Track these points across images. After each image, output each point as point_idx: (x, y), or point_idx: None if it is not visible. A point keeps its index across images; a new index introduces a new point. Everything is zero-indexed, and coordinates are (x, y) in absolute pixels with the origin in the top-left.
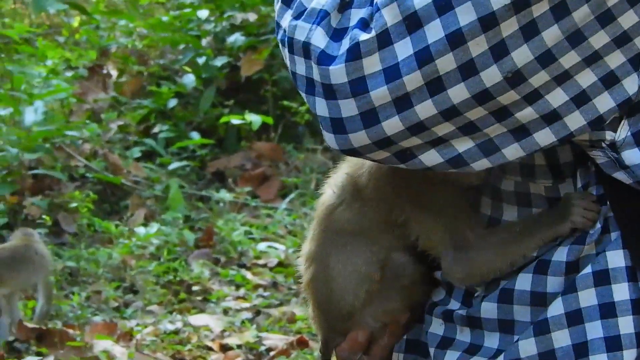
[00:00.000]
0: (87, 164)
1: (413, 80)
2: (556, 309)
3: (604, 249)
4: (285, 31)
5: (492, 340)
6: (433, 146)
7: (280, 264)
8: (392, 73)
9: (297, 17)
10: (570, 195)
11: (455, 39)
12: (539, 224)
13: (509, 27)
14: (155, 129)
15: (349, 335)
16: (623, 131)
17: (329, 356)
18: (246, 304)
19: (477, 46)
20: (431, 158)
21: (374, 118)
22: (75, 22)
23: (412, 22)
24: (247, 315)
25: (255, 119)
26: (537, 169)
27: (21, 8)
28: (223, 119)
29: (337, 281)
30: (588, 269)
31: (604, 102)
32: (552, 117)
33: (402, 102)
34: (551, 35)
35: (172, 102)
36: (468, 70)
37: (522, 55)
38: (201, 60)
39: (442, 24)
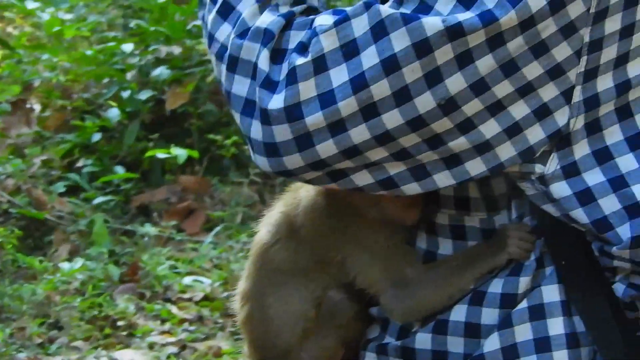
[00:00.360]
0: (11, 200)
1: (348, 106)
2: (492, 344)
3: (539, 284)
4: (225, 47)
5: None
6: (366, 167)
7: (205, 297)
8: (327, 99)
9: (240, 35)
10: (505, 227)
11: (390, 65)
12: (476, 256)
13: (443, 54)
14: (79, 164)
15: None
16: (552, 164)
17: None
18: (172, 339)
19: (412, 72)
20: (363, 178)
21: (308, 142)
22: None
23: (350, 49)
24: (173, 349)
25: (181, 153)
26: (472, 201)
27: None
28: (149, 153)
29: (273, 320)
30: (524, 304)
31: (535, 134)
32: (483, 147)
33: (337, 127)
34: (485, 64)
35: (96, 136)
36: (402, 96)
37: (456, 83)
38: (126, 94)
39: (377, 49)
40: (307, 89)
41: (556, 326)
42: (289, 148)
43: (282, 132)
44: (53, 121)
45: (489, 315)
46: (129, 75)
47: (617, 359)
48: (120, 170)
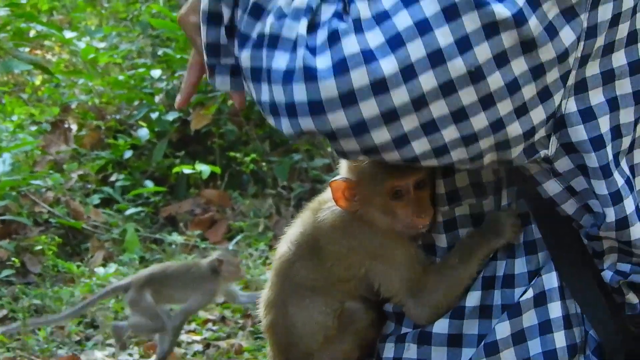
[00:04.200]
0: (51, 210)
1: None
2: (503, 330)
3: (539, 273)
4: (262, 36)
5: (439, 355)
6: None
7: (218, 304)
8: (368, 57)
9: (279, 18)
10: (497, 214)
11: (423, 27)
12: (475, 246)
13: (471, 22)
14: (113, 178)
15: None
16: (553, 146)
17: None
18: (197, 337)
19: (444, 37)
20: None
21: (352, 100)
22: (38, 80)
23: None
24: (198, 347)
25: (204, 169)
26: (461, 190)
27: None
28: (175, 169)
29: (296, 327)
30: (530, 293)
31: (538, 115)
32: (498, 126)
33: (379, 88)
34: (509, 42)
35: (128, 154)
36: (436, 59)
37: (484, 54)
38: (154, 115)
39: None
40: (351, 46)
41: (555, 309)
42: (334, 105)
43: (329, 89)
44: (89, 140)
45: (499, 296)
46: (157, 98)
47: (609, 337)
48: (149, 184)
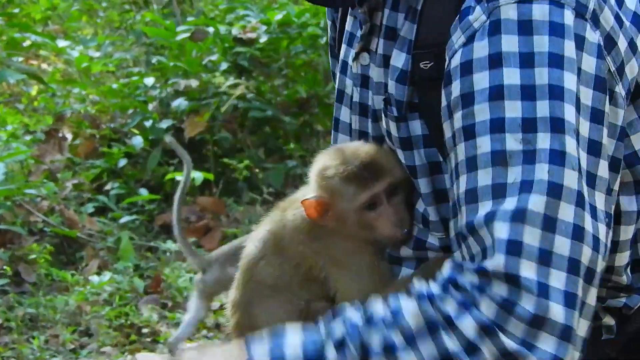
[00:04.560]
0: (45, 219)
1: None
2: None
3: None
4: None
5: None
6: None
7: (222, 306)
8: None
9: None
10: None
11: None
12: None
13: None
14: (107, 187)
15: None
16: None
17: None
18: (192, 344)
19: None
20: None
21: None
22: (34, 90)
23: None
24: None
25: (197, 176)
26: (432, 223)
27: None
28: (169, 176)
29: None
30: None
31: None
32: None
33: None
34: None
35: (122, 162)
36: None
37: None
38: (148, 124)
39: None
40: None
41: None
42: None
43: None
44: (83, 148)
45: None
46: (151, 106)
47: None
48: (144, 192)
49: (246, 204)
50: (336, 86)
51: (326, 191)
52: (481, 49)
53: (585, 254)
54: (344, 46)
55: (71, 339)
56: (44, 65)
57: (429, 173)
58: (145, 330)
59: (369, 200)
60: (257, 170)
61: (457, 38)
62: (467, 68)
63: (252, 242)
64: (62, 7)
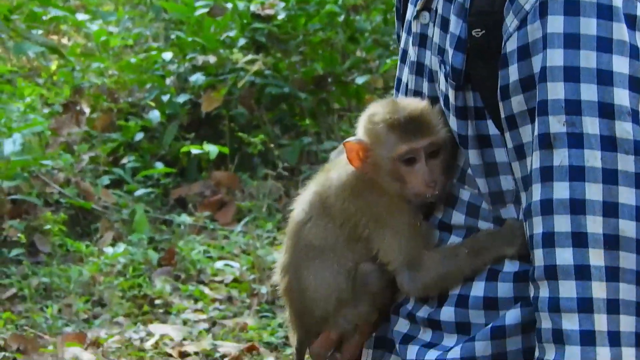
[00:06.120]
0: (61, 191)
1: None
2: (513, 317)
3: None
4: None
5: (450, 340)
6: None
7: (235, 280)
8: None
9: None
10: (514, 223)
11: None
12: (486, 247)
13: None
14: (124, 160)
15: (322, 334)
16: None
17: (303, 355)
18: (203, 316)
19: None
20: None
21: None
22: (53, 65)
23: None
24: (204, 325)
25: (212, 149)
26: (482, 195)
27: (3, 52)
28: (184, 149)
29: (310, 290)
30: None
31: None
32: None
33: None
34: None
35: (139, 136)
36: None
37: None
38: (165, 98)
39: None
40: None
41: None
42: None
43: None
44: (100, 122)
45: (504, 289)
46: (169, 81)
47: None
48: (160, 166)
49: (260, 179)
50: (401, 46)
51: (369, 136)
52: (535, 31)
53: None
54: (410, 7)
55: (84, 308)
56: (64, 41)
57: (479, 145)
58: (158, 302)
59: (408, 153)
60: (272, 146)
61: (511, 22)
62: (524, 52)
63: (299, 205)
64: None
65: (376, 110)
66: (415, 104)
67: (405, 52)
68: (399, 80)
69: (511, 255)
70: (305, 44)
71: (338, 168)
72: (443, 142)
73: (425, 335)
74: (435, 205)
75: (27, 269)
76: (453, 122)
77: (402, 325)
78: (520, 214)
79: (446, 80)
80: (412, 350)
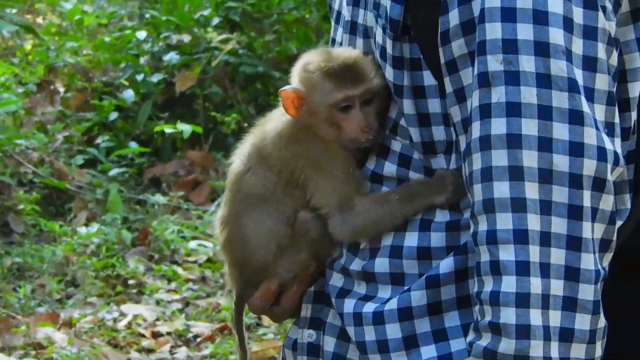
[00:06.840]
0: (35, 171)
1: None
2: (447, 267)
3: None
4: None
5: (385, 292)
6: None
7: (208, 260)
8: None
9: None
10: (445, 173)
11: None
12: (417, 194)
13: None
14: (98, 140)
15: (262, 285)
16: None
17: (242, 308)
18: (177, 296)
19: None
20: None
21: None
22: (28, 44)
23: None
24: (177, 305)
25: (186, 128)
26: (414, 145)
27: None
28: (157, 128)
29: (250, 239)
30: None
31: None
32: None
33: None
34: None
35: (113, 115)
36: None
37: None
38: (139, 77)
39: None
40: None
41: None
42: None
43: None
44: (74, 101)
45: (437, 239)
46: (143, 60)
47: None
48: (134, 145)
49: None
50: (335, 8)
51: (305, 84)
52: None
53: (588, 167)
54: None
55: (57, 289)
56: (39, 20)
57: (413, 96)
58: (131, 282)
59: (343, 101)
60: (246, 125)
61: None
62: None
63: (238, 157)
64: None
65: (311, 59)
66: (348, 53)
67: (339, 13)
68: (333, 40)
69: (440, 204)
70: (279, 22)
71: (274, 119)
72: (377, 90)
73: (360, 288)
74: (368, 154)
75: (0, 249)
76: (389, 72)
77: (336, 280)
78: (450, 164)
79: (384, 32)
80: (349, 304)
